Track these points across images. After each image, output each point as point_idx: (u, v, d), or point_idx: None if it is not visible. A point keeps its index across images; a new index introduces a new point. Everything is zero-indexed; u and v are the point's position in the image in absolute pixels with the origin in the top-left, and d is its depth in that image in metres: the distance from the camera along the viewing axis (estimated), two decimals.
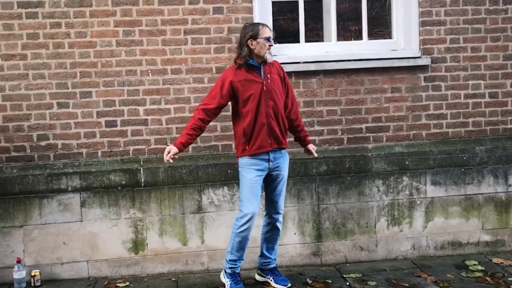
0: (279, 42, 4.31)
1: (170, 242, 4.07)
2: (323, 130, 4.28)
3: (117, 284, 3.86)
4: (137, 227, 4.05)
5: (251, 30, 3.38)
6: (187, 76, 4.11)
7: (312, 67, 4.22)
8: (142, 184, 4.05)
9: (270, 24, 4.17)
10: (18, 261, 3.83)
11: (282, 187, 3.61)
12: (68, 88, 3.99)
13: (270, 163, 3.47)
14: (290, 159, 4.05)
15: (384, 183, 4.28)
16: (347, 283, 3.78)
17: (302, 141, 3.73)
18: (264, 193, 3.62)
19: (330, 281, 3.82)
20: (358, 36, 4.74)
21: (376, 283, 3.74)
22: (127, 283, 3.89)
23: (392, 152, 4.30)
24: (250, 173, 3.45)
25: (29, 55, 3.93)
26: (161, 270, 4.08)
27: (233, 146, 4.10)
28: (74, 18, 3.95)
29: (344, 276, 3.92)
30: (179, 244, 4.08)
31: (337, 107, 4.29)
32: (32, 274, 3.84)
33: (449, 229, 4.35)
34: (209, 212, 4.09)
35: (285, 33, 4.84)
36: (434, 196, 4.32)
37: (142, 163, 4.08)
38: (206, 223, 4.09)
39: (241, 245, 3.51)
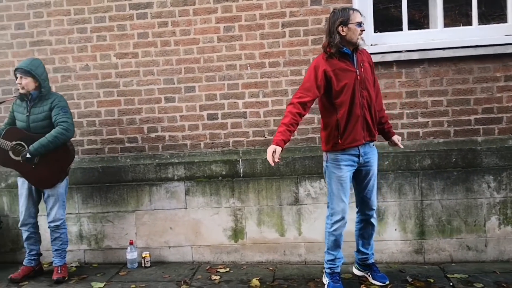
0: (380, 31, 4.16)
1: (267, 232, 4.17)
2: (428, 122, 4.07)
3: (218, 270, 4.05)
4: (236, 216, 4.20)
5: (341, 16, 3.17)
6: (284, 69, 4.15)
7: (416, 55, 4.02)
8: (241, 175, 4.18)
9: (370, 13, 4.06)
10: (131, 243, 4.19)
11: (374, 182, 3.43)
12: (174, 84, 4.25)
13: (360, 158, 3.31)
14: (391, 152, 3.94)
15: (495, 179, 3.96)
16: (451, 284, 3.57)
17: (386, 133, 3.52)
18: (353, 189, 3.51)
19: (432, 280, 3.64)
20: (467, 22, 4.39)
21: (483, 285, 3.49)
22: (227, 269, 4.06)
23: (505, 146, 3.96)
24: (340, 169, 3.29)
25: (140, 53, 4.25)
26: (259, 258, 4.20)
27: None
28: (179, 16, 4.18)
29: (448, 276, 3.72)
30: (276, 235, 4.16)
31: (443, 98, 4.05)
32: (143, 255, 4.18)
33: None
34: (306, 204, 4.11)
35: (386, 21, 4.66)
36: None
37: (241, 154, 4.21)
38: (303, 215, 4.12)
39: (337, 243, 3.41)
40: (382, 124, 3.48)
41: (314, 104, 3.35)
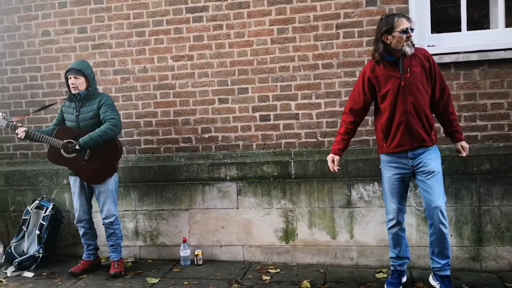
0: (438, 32, 4.07)
1: (319, 234, 4.16)
2: (487, 125, 3.93)
3: (269, 270, 4.07)
4: (287, 217, 4.21)
5: (385, 24, 3.17)
6: (338, 70, 4.13)
7: (475, 57, 3.90)
8: (293, 176, 4.19)
9: (428, 13, 3.97)
10: (184, 241, 4.29)
11: (431, 184, 3.23)
12: (227, 85, 4.32)
13: (411, 161, 3.27)
14: (447, 156, 3.83)
15: None
16: None
17: (452, 137, 3.41)
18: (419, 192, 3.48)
19: None
20: None
21: None
22: (278, 270, 4.07)
23: None
24: (389, 170, 3.35)
25: (195, 56, 4.35)
26: (310, 260, 4.19)
27: None
28: (234, 19, 4.25)
29: (507, 285, 3.57)
30: (327, 237, 4.15)
31: (504, 100, 3.91)
32: (196, 253, 4.27)
33: None
34: (358, 207, 4.07)
35: (444, 21, 4.53)
36: None
37: (293, 156, 4.22)
38: (355, 218, 4.08)
39: (395, 242, 3.46)
40: (447, 127, 3.39)
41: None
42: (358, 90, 3.37)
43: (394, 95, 3.21)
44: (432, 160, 3.27)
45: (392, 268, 3.56)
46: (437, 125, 3.43)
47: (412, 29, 3.17)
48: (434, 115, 3.35)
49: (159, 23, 4.37)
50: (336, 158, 3.42)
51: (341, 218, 4.11)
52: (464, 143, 3.39)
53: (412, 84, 3.18)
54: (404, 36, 3.13)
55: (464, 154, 3.38)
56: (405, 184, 3.38)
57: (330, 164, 3.43)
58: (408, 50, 3.15)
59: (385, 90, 3.24)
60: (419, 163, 3.27)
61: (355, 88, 3.42)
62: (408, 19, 3.20)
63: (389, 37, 3.17)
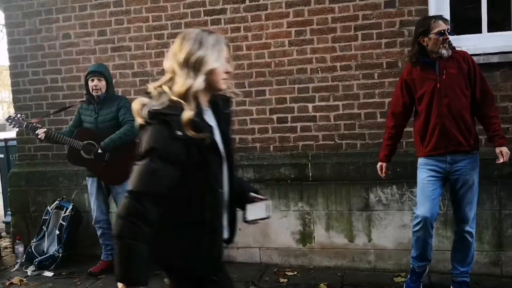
0: (457, 33, 4.00)
1: (336, 237, 4.14)
2: (508, 128, 3.87)
3: (286, 273, 4.07)
4: (304, 220, 4.20)
5: (421, 26, 3.20)
6: (356, 72, 4.11)
7: (495, 59, 3.85)
8: (310, 179, 4.18)
9: (447, 14, 3.92)
10: None
11: (465, 194, 3.23)
12: (245, 87, 4.32)
13: (448, 166, 3.22)
14: None
15: None
16: None
17: (492, 141, 3.28)
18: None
19: None
20: None
21: None
22: (295, 273, 4.07)
23: None
24: (423, 173, 3.30)
25: None
26: (327, 263, 4.17)
27: (404, 144, 4.00)
28: (252, 22, 4.26)
29: None
30: (345, 240, 4.12)
31: None
32: None
33: None
34: (376, 210, 4.04)
35: (464, 23, 4.46)
36: None
37: (310, 158, 4.21)
38: (373, 222, 4.05)
39: (418, 245, 3.37)
40: (487, 131, 3.28)
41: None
42: (397, 93, 3.38)
43: (429, 97, 3.19)
44: (470, 170, 3.22)
45: (411, 267, 3.48)
46: (480, 127, 3.36)
47: (450, 32, 3.17)
48: (475, 119, 3.28)
49: (178, 26, 4.40)
50: (384, 165, 3.46)
51: (358, 221, 4.08)
52: (504, 149, 3.19)
53: (448, 86, 3.15)
54: (441, 38, 3.14)
55: (501, 160, 3.20)
56: (439, 187, 3.30)
57: (379, 171, 3.49)
58: (445, 52, 3.15)
59: (421, 92, 3.22)
60: (457, 170, 3.22)
61: (394, 92, 3.44)
62: (445, 21, 3.21)
63: (425, 39, 3.17)
